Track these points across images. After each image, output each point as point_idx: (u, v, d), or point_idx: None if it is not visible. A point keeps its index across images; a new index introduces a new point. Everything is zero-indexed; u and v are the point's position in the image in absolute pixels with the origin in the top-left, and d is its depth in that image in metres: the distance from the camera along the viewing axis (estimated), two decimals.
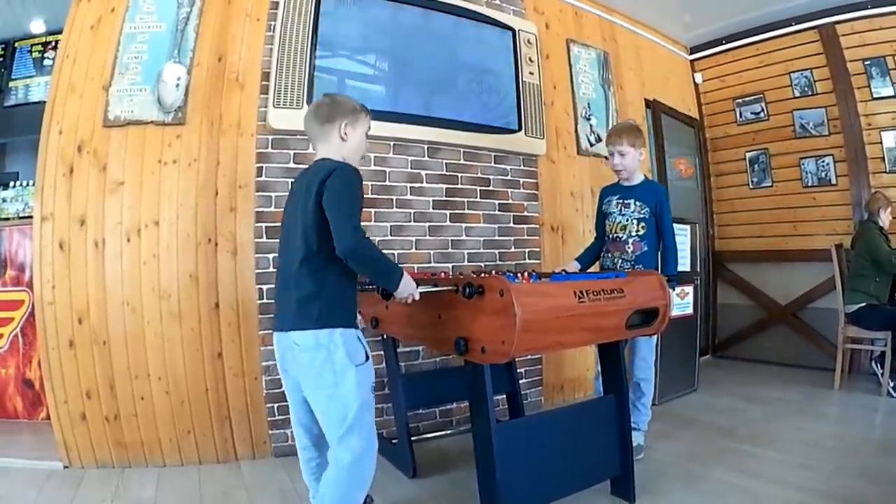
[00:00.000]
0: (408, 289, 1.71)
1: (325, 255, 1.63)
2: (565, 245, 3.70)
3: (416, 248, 3.05)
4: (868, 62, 4.20)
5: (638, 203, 2.57)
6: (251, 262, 2.67)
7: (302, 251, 1.64)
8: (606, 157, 2.98)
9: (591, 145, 3.90)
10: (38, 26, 4.69)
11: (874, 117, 4.19)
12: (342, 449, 1.62)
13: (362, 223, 3.06)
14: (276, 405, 2.67)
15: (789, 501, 2.08)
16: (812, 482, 2.23)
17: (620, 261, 2.59)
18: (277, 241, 2.67)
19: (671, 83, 4.97)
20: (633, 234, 2.56)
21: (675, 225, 3.56)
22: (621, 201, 2.62)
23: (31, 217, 2.76)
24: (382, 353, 2.57)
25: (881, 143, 4.16)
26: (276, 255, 2.68)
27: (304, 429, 1.80)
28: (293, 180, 1.86)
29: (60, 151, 2.49)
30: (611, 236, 2.65)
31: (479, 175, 3.30)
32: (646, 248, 2.56)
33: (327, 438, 1.68)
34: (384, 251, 2.94)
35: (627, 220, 2.58)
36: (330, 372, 1.61)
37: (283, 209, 1.86)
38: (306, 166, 1.80)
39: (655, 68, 4.76)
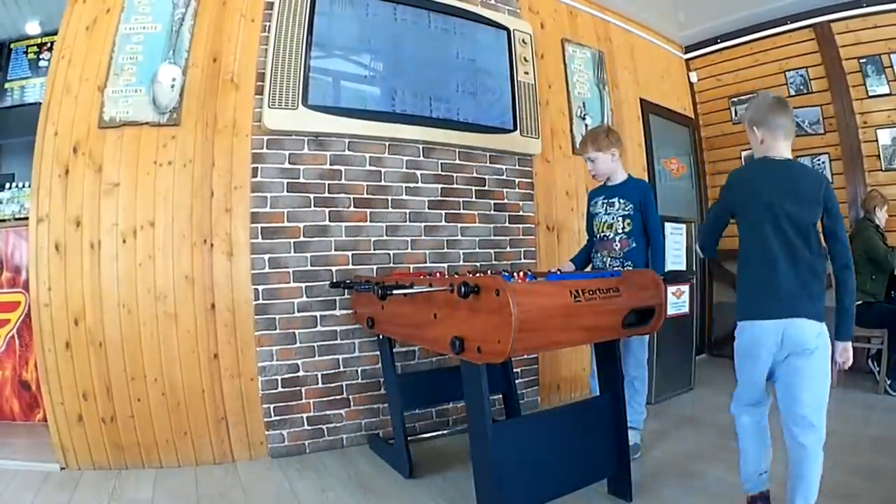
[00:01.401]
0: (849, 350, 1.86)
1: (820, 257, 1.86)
2: (560, 244, 3.70)
3: (411, 248, 3.05)
4: (863, 60, 4.21)
5: (622, 200, 2.60)
6: (247, 263, 2.67)
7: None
8: None
9: None
10: (33, 27, 4.70)
11: (870, 115, 4.20)
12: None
13: (358, 223, 3.08)
14: (272, 406, 2.67)
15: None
16: None
17: (609, 259, 2.61)
18: (273, 241, 2.71)
19: (666, 82, 4.97)
20: (620, 231, 2.59)
21: (670, 224, 3.59)
22: (606, 201, 2.65)
23: (27, 218, 2.76)
24: (378, 353, 2.57)
25: (877, 141, 4.17)
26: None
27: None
28: (753, 170, 2.01)
29: (56, 152, 2.49)
30: (599, 236, 2.68)
31: (475, 175, 3.30)
32: (634, 245, 2.58)
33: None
34: (382, 251, 2.97)
35: (613, 218, 2.61)
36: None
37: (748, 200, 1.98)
38: (771, 161, 1.92)
39: (650, 68, 4.76)
